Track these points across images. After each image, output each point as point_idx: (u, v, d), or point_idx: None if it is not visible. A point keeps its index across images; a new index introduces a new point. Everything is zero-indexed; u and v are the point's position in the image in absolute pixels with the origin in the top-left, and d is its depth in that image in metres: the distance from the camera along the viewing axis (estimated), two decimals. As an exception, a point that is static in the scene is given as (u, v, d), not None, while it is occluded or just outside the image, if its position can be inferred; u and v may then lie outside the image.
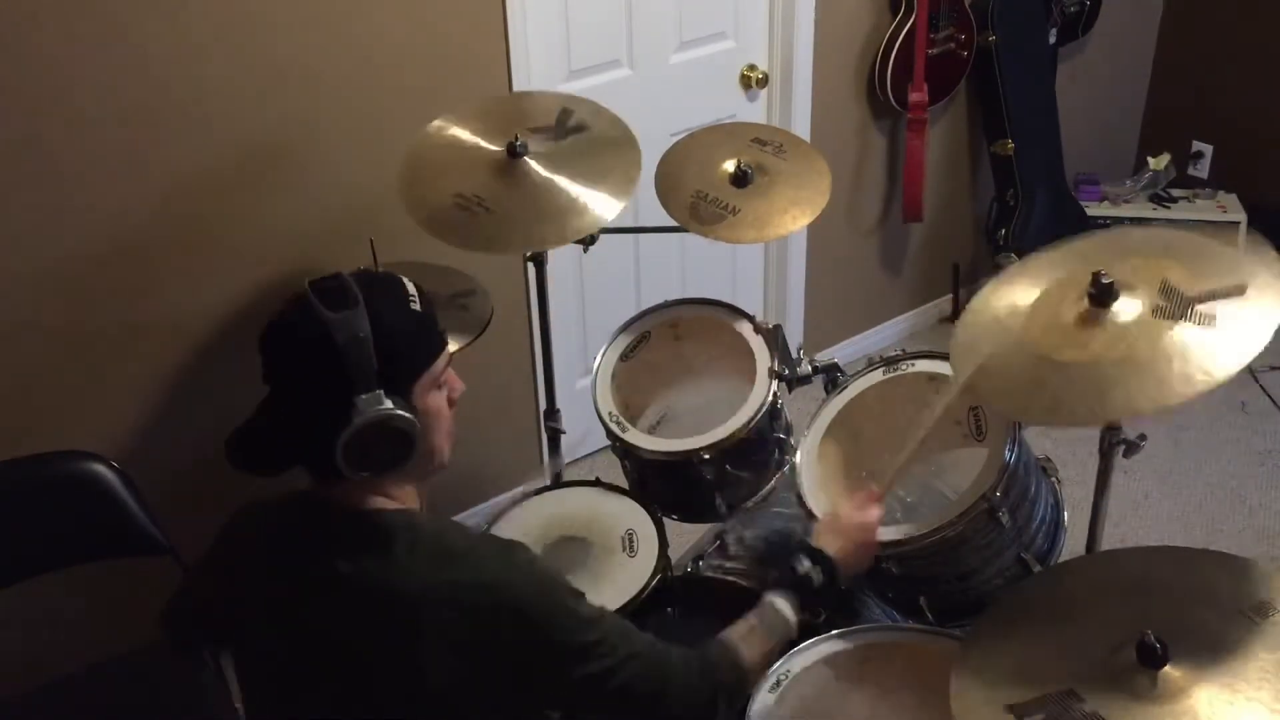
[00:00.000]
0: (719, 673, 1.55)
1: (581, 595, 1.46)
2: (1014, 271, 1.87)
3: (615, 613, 1.52)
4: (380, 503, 1.43)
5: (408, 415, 1.36)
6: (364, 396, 1.33)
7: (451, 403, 1.49)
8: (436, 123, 2.34)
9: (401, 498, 1.46)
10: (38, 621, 2.48)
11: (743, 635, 1.62)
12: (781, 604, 1.67)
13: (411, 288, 1.43)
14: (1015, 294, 1.81)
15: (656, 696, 1.46)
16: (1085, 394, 1.61)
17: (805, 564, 1.70)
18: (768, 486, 2.26)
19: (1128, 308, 1.68)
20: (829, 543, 1.75)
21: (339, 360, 1.32)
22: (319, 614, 1.40)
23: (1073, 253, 1.83)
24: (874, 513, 1.81)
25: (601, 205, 2.20)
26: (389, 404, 1.35)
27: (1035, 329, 1.72)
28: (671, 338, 2.41)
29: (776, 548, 2.22)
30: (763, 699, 1.75)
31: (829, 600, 1.71)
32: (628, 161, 2.28)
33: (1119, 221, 3.99)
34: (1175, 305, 1.63)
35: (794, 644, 1.80)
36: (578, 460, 3.28)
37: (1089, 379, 1.61)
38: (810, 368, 2.21)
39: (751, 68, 3.28)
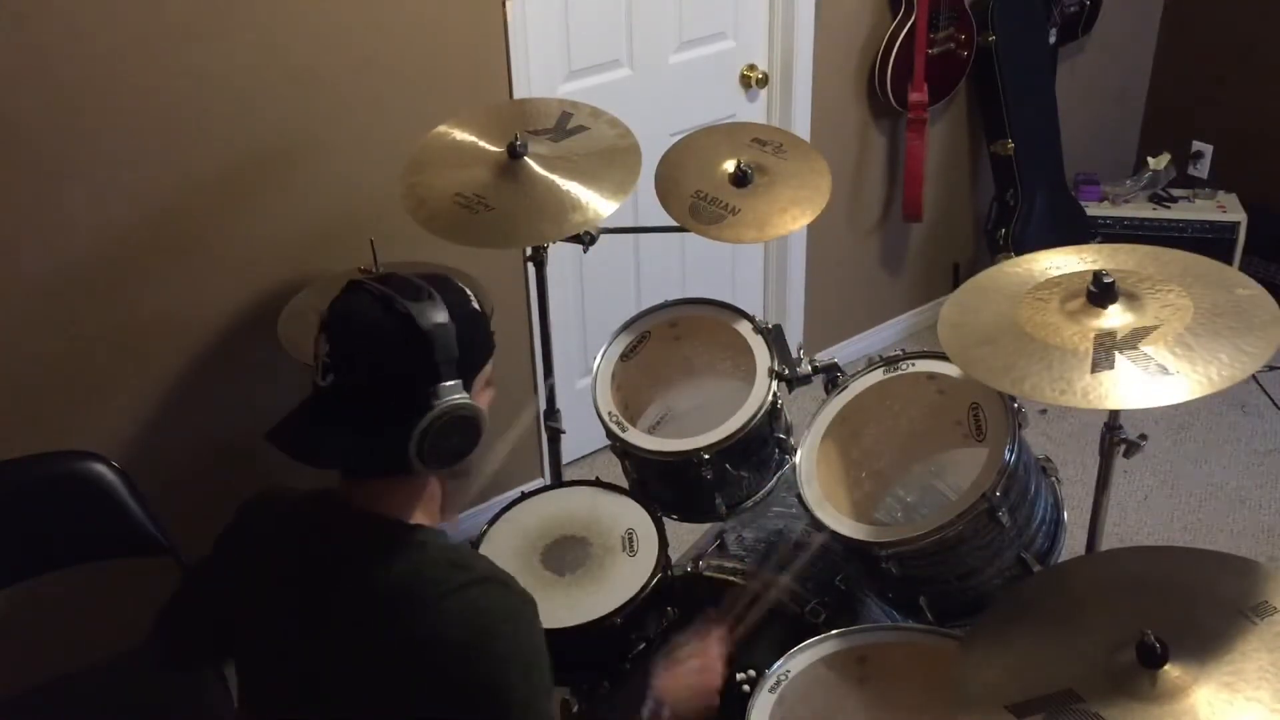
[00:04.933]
0: None
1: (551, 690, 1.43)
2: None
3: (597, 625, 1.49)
4: (410, 512, 1.42)
5: (479, 406, 1.39)
6: (446, 384, 1.35)
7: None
8: (439, 129, 2.34)
9: (432, 505, 1.46)
10: (38, 621, 2.48)
11: None
12: None
13: (466, 288, 1.46)
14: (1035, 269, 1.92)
15: None
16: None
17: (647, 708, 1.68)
18: (768, 486, 2.27)
19: (1115, 319, 1.74)
20: (666, 686, 1.71)
21: (427, 346, 1.34)
22: (323, 620, 1.39)
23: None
24: (712, 650, 1.78)
25: (601, 202, 2.21)
26: (465, 394, 1.37)
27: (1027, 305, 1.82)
28: (671, 338, 2.41)
29: (776, 548, 2.22)
30: (763, 699, 1.75)
31: None
32: (627, 160, 2.29)
33: (1119, 221, 3.99)
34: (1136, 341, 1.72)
35: (791, 638, 1.83)
36: (578, 460, 3.28)
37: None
38: (810, 368, 2.21)
39: (751, 68, 3.28)
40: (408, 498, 1.43)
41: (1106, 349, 1.69)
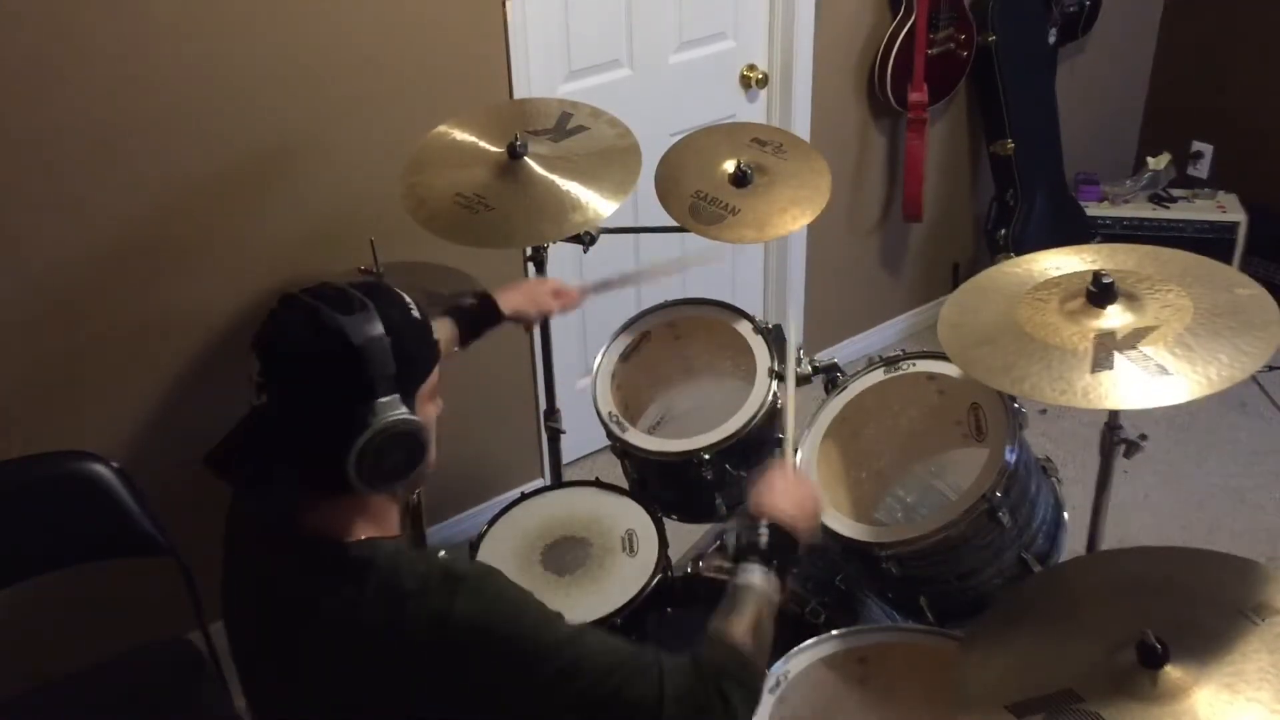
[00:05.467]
0: (717, 666, 1.41)
1: (557, 616, 1.38)
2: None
3: (598, 626, 1.43)
4: (358, 528, 1.38)
5: (420, 421, 1.34)
6: (382, 400, 1.31)
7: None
8: (439, 129, 2.34)
9: (382, 517, 1.41)
10: (38, 621, 2.48)
11: (725, 618, 1.48)
12: (746, 574, 1.53)
13: (406, 296, 1.41)
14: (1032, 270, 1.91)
15: (653, 704, 1.35)
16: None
17: (746, 530, 1.57)
18: (768, 486, 2.26)
19: (1115, 319, 1.74)
20: (767, 507, 1.61)
21: (359, 363, 1.29)
22: (290, 643, 1.38)
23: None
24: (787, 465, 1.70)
25: (601, 202, 2.21)
26: (404, 409, 1.32)
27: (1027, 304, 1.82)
28: (671, 338, 2.41)
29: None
30: (763, 699, 1.75)
31: (789, 553, 1.58)
32: (627, 160, 2.29)
33: (1119, 221, 3.99)
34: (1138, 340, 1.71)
35: (791, 638, 1.81)
36: (578, 460, 3.28)
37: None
38: (810, 368, 2.21)
39: (751, 68, 3.28)
40: (355, 514, 1.38)
41: (1106, 349, 1.69)
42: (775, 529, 1.57)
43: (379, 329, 1.31)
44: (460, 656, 1.31)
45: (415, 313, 1.39)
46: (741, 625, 1.47)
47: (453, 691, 1.33)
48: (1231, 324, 1.69)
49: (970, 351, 1.80)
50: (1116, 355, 1.68)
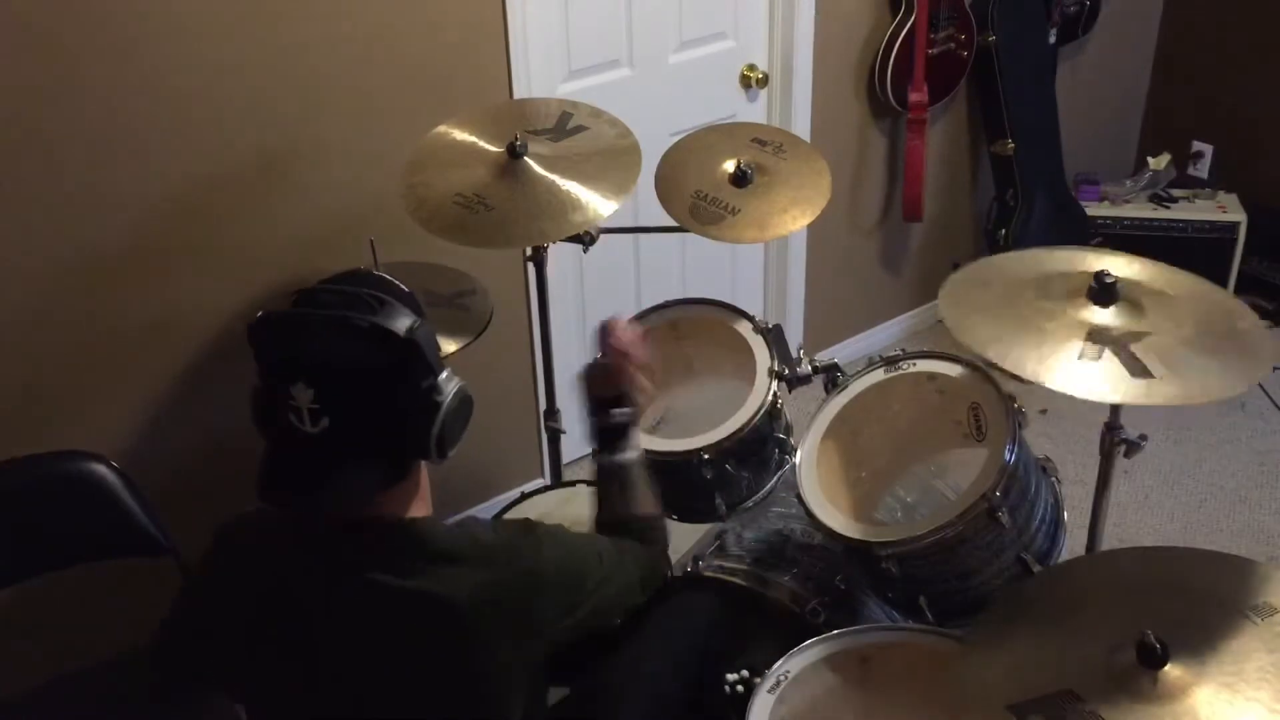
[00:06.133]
0: (652, 537, 1.73)
1: (587, 542, 1.55)
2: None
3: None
4: (414, 509, 1.41)
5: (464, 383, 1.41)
6: (443, 376, 1.37)
7: None
8: (439, 129, 2.34)
9: (424, 494, 1.45)
10: (38, 621, 2.48)
11: (634, 499, 1.74)
12: (622, 453, 1.76)
13: (386, 275, 1.44)
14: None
15: (635, 586, 1.62)
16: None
17: (604, 419, 1.77)
18: (768, 486, 2.27)
19: (1112, 318, 1.76)
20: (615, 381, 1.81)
21: (418, 352, 1.33)
22: (351, 632, 1.37)
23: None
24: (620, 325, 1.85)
25: (601, 202, 2.21)
26: (455, 377, 1.38)
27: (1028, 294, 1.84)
28: (672, 338, 2.41)
29: (776, 548, 2.22)
30: (763, 700, 1.76)
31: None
32: (627, 160, 2.29)
33: (1119, 221, 3.99)
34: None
35: (791, 638, 1.82)
36: (578, 460, 3.28)
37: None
38: (810, 368, 2.21)
39: (751, 68, 3.28)
40: (406, 495, 1.42)
41: (1097, 342, 1.71)
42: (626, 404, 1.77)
43: (409, 315, 1.34)
44: (542, 601, 1.40)
45: (403, 286, 1.43)
46: (647, 497, 1.75)
47: (526, 638, 1.40)
48: (1225, 347, 1.72)
49: (965, 319, 1.83)
50: (1106, 351, 1.69)
